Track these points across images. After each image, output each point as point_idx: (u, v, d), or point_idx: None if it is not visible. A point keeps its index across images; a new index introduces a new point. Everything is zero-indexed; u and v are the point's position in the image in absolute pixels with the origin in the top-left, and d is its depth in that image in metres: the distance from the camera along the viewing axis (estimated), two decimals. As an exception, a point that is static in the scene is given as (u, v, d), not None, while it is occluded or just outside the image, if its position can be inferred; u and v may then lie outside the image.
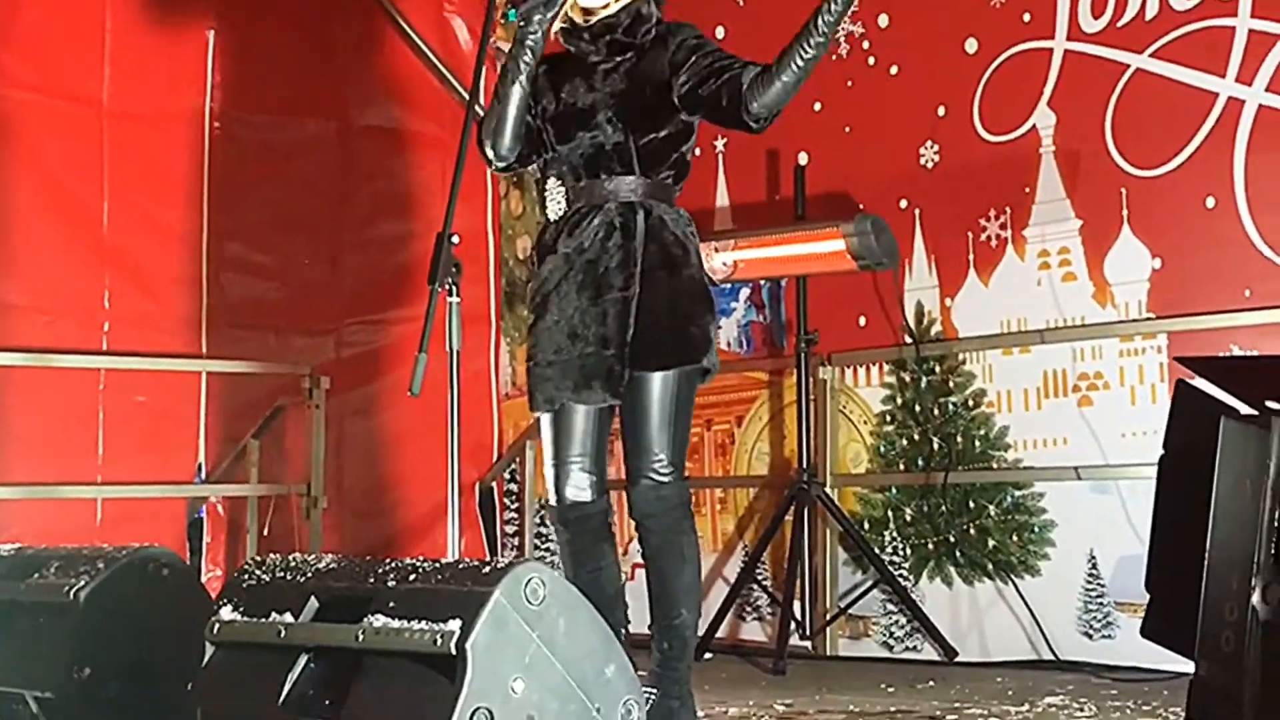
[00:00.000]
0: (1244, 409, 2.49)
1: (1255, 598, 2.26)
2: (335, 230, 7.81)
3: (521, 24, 4.20)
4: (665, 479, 4.22)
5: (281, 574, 3.45)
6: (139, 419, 7.07)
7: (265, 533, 7.11)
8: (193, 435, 7.25)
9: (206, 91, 7.43)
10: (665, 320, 4.23)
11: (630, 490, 4.27)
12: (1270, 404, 2.38)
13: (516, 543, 7.91)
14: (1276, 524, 2.26)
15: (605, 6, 4.34)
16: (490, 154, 4.29)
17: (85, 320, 7.01)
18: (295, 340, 7.57)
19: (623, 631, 4.30)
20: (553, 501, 4.40)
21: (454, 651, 2.93)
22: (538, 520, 7.83)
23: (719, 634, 6.59)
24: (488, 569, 3.09)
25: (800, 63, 4.02)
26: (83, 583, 3.79)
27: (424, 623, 3.03)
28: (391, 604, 3.13)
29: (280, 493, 7.16)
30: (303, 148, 7.73)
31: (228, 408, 7.35)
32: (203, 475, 7.24)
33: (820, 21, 3.95)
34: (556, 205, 4.38)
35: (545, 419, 4.37)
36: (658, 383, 4.21)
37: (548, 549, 7.80)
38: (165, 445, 7.16)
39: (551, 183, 4.40)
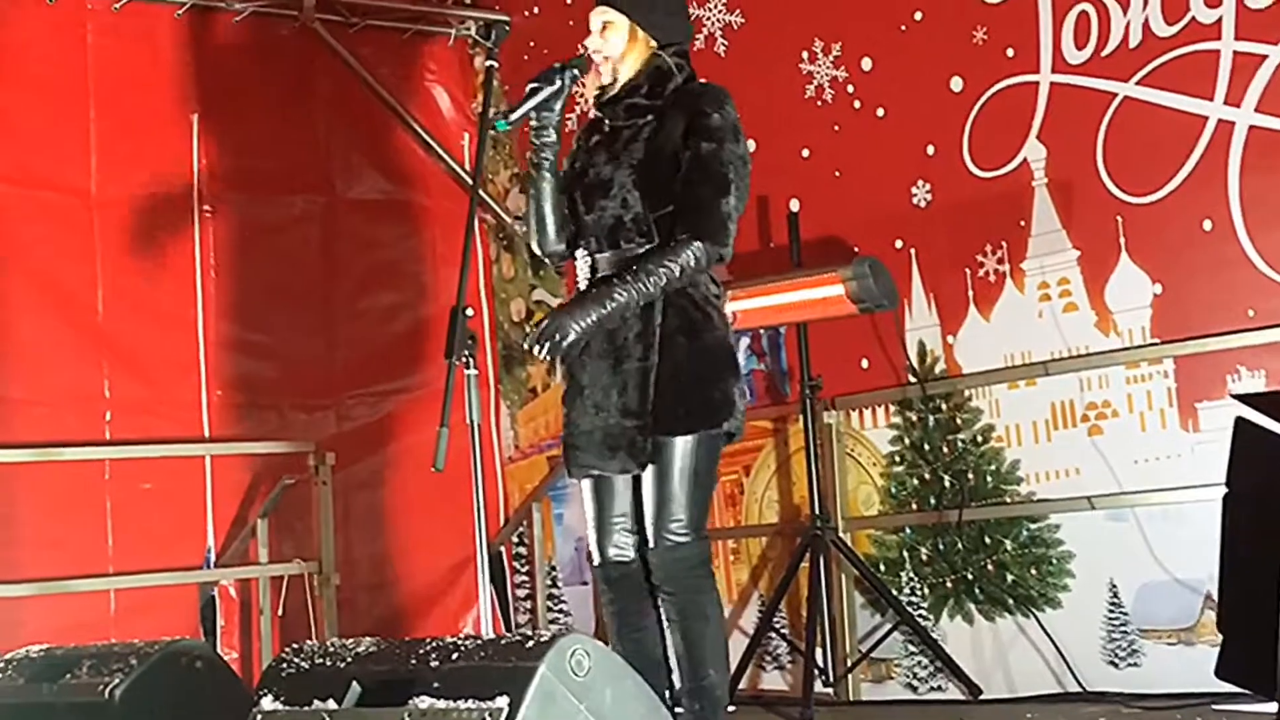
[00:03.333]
0: (1309, 444, 2.48)
1: (1337, 635, 2.24)
2: (328, 304, 7.82)
3: (533, 126, 4.28)
4: (683, 539, 4.21)
5: (320, 660, 3.42)
6: (146, 506, 7.06)
7: (280, 613, 7.08)
8: (200, 518, 7.24)
9: (194, 173, 7.45)
10: (687, 385, 4.25)
11: (649, 553, 4.27)
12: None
13: (529, 606, 7.87)
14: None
15: (614, 79, 4.37)
16: (538, 252, 4.45)
17: (86, 410, 7.03)
18: (296, 417, 7.58)
19: (669, 694, 4.29)
20: (596, 561, 4.44)
21: (504, 729, 2.91)
22: (549, 582, 7.80)
23: (740, 685, 6.55)
24: (531, 643, 3.07)
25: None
26: (117, 680, 3.77)
27: (471, 701, 3.01)
28: (436, 684, 3.11)
29: (292, 572, 7.12)
30: (291, 223, 7.76)
31: (234, 489, 7.34)
32: (213, 558, 7.21)
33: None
34: (583, 275, 4.39)
35: (585, 484, 4.44)
36: (679, 446, 4.23)
37: (560, 610, 7.77)
38: (174, 531, 7.14)
39: (579, 253, 4.41)
